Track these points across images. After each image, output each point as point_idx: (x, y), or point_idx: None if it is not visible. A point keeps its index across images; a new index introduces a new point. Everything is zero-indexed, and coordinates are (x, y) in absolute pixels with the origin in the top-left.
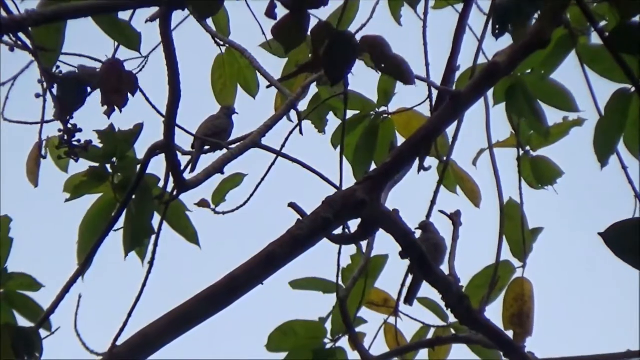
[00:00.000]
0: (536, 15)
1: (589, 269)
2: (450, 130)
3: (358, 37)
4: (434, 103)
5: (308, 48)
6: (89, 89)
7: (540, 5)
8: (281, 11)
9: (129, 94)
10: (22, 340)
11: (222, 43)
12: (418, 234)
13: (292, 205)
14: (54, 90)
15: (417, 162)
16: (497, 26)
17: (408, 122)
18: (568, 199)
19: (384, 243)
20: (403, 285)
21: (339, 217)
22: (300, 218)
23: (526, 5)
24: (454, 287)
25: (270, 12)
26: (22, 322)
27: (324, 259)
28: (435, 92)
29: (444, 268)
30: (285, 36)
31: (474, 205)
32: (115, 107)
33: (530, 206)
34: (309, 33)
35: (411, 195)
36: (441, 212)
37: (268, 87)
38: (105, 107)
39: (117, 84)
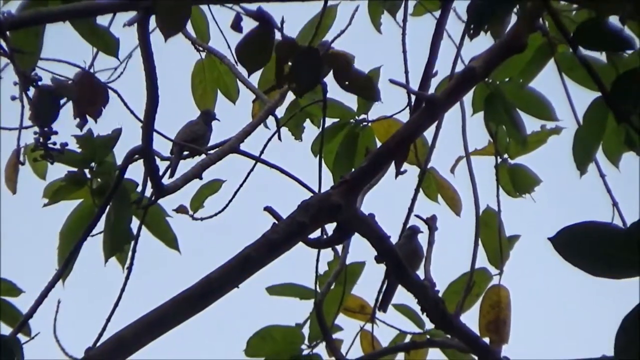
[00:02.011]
0: (514, 20)
1: (565, 276)
2: (429, 138)
3: (336, 44)
4: (412, 109)
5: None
6: (62, 102)
7: (514, 5)
8: (248, 23)
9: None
10: (1, 348)
11: (201, 49)
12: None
13: (268, 209)
14: (30, 94)
15: (393, 166)
16: (472, 26)
17: (388, 129)
18: (546, 207)
19: (362, 247)
20: (380, 292)
21: (314, 221)
22: (276, 222)
23: (500, 5)
24: (430, 291)
25: (236, 25)
26: (2, 327)
27: (302, 264)
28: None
29: (420, 273)
30: (248, 57)
31: (455, 213)
32: (89, 119)
33: (507, 214)
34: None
35: (388, 200)
36: (417, 216)
37: (254, 101)
38: (78, 120)
39: (90, 96)
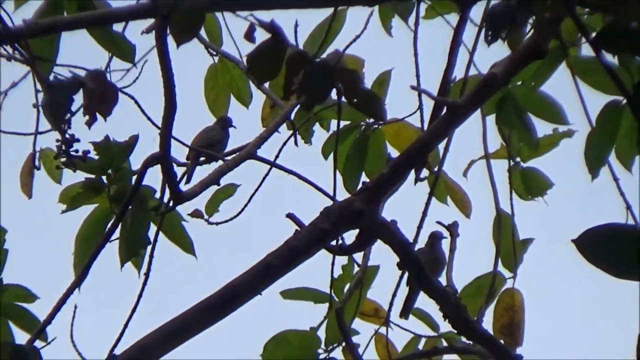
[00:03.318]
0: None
1: (578, 279)
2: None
3: (350, 50)
4: (430, 114)
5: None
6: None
7: (533, 12)
8: (261, 35)
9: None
10: (20, 358)
11: (214, 53)
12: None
13: (290, 216)
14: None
15: (412, 173)
16: (490, 32)
17: (398, 132)
18: (558, 210)
19: (378, 252)
20: (394, 295)
21: (336, 227)
22: (298, 229)
23: (519, 11)
24: (452, 298)
25: (249, 35)
26: (18, 333)
27: (315, 268)
28: (425, 103)
29: (441, 279)
30: (259, 69)
31: (465, 215)
32: (98, 117)
33: (520, 217)
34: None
35: (402, 205)
36: (438, 222)
37: (272, 107)
38: (87, 117)
39: (101, 94)
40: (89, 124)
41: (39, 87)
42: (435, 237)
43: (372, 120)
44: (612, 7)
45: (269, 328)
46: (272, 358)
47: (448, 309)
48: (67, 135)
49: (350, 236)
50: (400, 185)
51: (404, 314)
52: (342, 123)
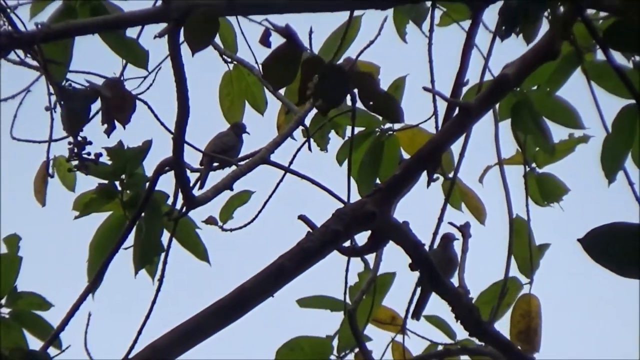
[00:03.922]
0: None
1: (595, 284)
2: (456, 147)
3: (364, 56)
4: (442, 117)
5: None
6: (92, 107)
7: (547, 8)
8: (276, 40)
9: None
10: None
11: (229, 60)
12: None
13: (302, 218)
14: (63, 104)
15: (425, 175)
16: (504, 28)
17: (412, 138)
18: (575, 215)
19: (392, 255)
20: (410, 302)
21: (348, 229)
22: (310, 230)
23: (533, 6)
24: (464, 298)
25: (265, 41)
26: (32, 340)
27: (330, 272)
28: (440, 108)
29: (454, 280)
30: (275, 74)
31: (479, 222)
32: (117, 125)
33: (536, 223)
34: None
35: (415, 207)
36: (450, 223)
37: (287, 113)
38: (105, 126)
39: (119, 103)
40: (108, 132)
41: (52, 91)
42: (447, 239)
43: (386, 126)
44: (624, 8)
45: (282, 333)
46: None
47: (460, 310)
48: (80, 138)
49: (362, 238)
50: (412, 186)
51: (416, 315)
52: (357, 129)
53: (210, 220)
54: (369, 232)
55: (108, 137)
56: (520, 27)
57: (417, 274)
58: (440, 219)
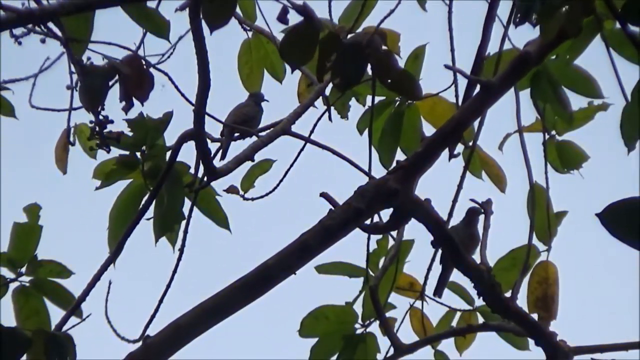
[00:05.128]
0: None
1: (613, 252)
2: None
3: (384, 24)
4: (463, 91)
5: None
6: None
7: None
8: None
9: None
10: (54, 346)
11: (248, 28)
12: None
13: (324, 195)
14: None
15: (446, 150)
16: (519, 15)
17: (433, 107)
18: (594, 183)
19: (412, 231)
20: (429, 269)
21: (370, 207)
22: (332, 208)
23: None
24: (486, 275)
25: (282, 18)
26: (53, 309)
27: (350, 242)
28: (459, 78)
29: (475, 257)
30: (293, 53)
31: (500, 190)
32: (134, 102)
33: (555, 190)
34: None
35: (435, 181)
36: (472, 200)
37: (308, 85)
38: (124, 103)
39: (137, 79)
40: (126, 109)
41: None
42: (473, 213)
43: None
44: None
45: (300, 305)
46: (310, 333)
47: (482, 286)
48: (101, 117)
49: (384, 215)
50: (433, 163)
51: (438, 292)
52: (377, 99)
53: (231, 189)
54: (391, 209)
55: (126, 114)
56: (535, 18)
57: None
58: (460, 186)
